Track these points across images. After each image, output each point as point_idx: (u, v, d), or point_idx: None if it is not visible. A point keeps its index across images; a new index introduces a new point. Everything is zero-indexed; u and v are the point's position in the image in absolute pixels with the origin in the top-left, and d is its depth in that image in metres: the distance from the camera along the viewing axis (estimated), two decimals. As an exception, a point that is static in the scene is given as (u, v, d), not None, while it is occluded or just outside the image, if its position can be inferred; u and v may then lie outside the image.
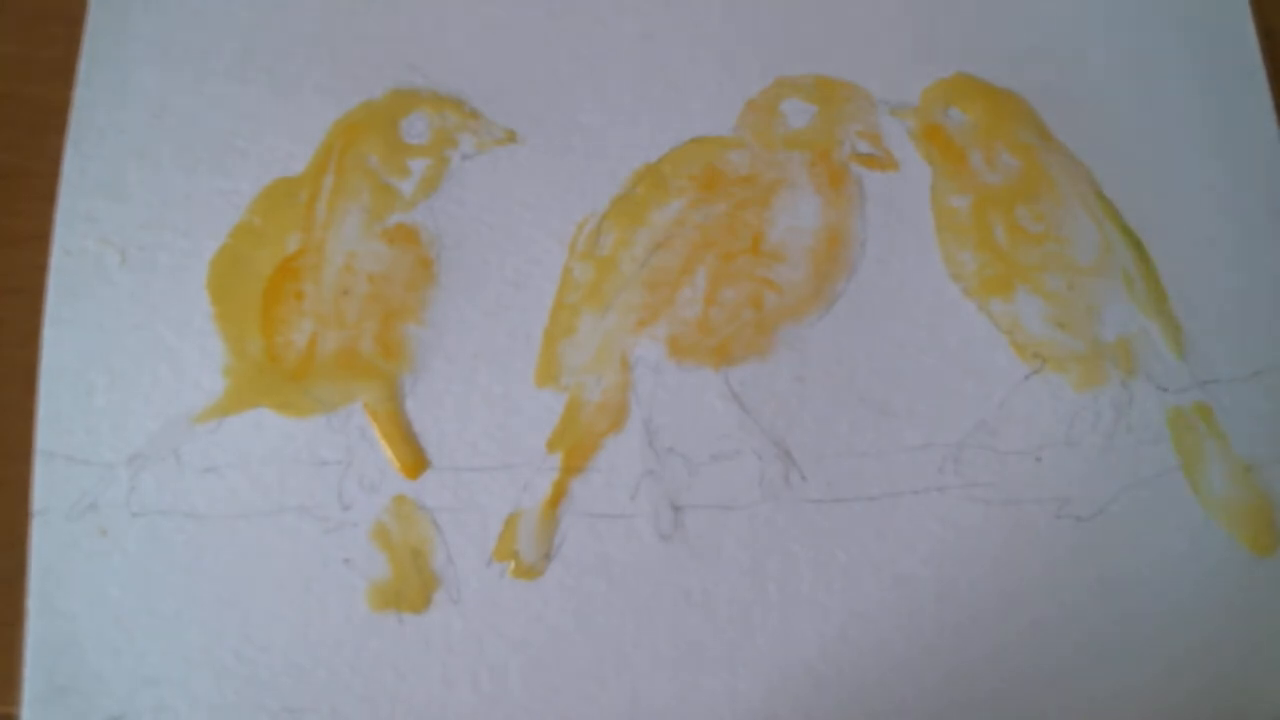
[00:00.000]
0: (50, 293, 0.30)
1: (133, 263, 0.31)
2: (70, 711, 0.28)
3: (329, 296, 0.31)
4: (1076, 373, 0.32)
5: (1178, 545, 0.30)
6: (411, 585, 0.29)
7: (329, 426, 0.30)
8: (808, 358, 0.31)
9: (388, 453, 0.30)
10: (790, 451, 0.31)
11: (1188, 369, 0.32)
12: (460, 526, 0.30)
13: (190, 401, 0.30)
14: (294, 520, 0.29)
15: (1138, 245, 0.33)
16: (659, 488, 0.30)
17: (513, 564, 0.29)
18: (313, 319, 0.31)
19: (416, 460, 0.30)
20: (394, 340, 0.31)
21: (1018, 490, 0.31)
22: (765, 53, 0.34)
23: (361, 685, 0.28)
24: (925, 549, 0.30)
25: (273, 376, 0.30)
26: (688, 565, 0.30)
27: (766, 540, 0.30)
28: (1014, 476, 0.31)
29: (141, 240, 0.31)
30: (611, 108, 0.33)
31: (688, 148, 0.33)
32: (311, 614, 0.29)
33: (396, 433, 0.30)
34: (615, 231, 0.32)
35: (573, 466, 0.30)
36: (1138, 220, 0.33)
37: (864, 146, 0.33)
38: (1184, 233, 0.33)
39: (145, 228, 0.31)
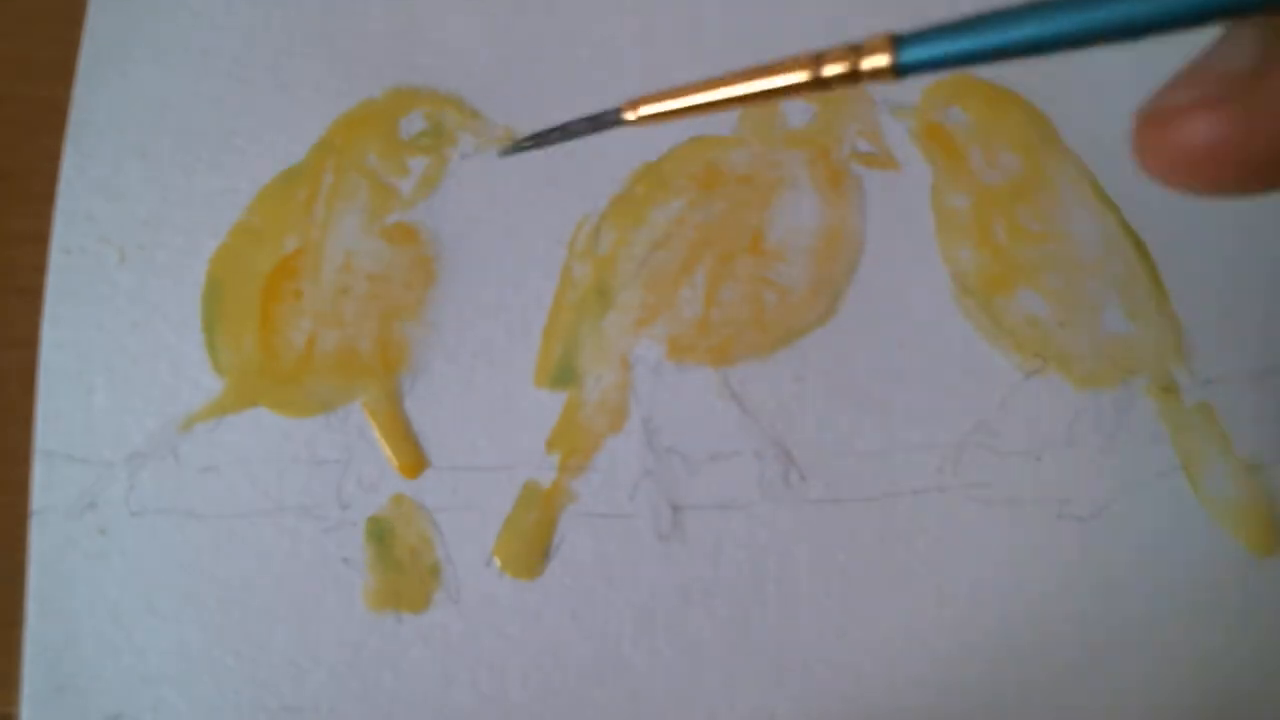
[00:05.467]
0: (49, 292, 0.30)
1: (132, 261, 0.31)
2: (69, 710, 0.28)
3: (328, 296, 0.31)
4: (1077, 372, 0.32)
5: (1178, 545, 0.30)
6: (411, 585, 0.29)
7: (328, 426, 0.30)
8: (808, 358, 0.31)
9: (387, 452, 0.30)
10: (790, 451, 0.31)
11: (1189, 369, 0.32)
12: (460, 526, 0.30)
13: (189, 400, 0.30)
14: (293, 519, 0.29)
15: (1138, 245, 0.33)
16: (658, 487, 0.30)
17: (512, 564, 0.29)
18: (311, 318, 0.31)
19: (415, 460, 0.30)
20: (393, 340, 0.31)
21: (1018, 490, 0.31)
22: (765, 53, 0.34)
23: (361, 685, 0.28)
24: (925, 549, 0.30)
25: (271, 376, 0.30)
26: (687, 565, 0.30)
27: (766, 540, 0.30)
28: (1014, 476, 0.31)
29: (141, 239, 0.31)
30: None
31: (688, 147, 0.33)
32: (310, 613, 0.29)
33: (395, 432, 0.30)
34: (614, 231, 0.32)
35: (572, 466, 0.30)
36: (1138, 220, 0.33)
37: (864, 145, 0.33)
38: (1184, 233, 0.33)
39: (144, 227, 0.31)
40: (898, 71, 0.19)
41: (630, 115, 0.24)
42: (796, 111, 0.34)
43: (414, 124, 0.33)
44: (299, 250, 0.31)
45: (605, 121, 0.25)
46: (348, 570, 0.29)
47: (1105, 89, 0.35)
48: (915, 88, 0.34)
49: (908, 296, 0.32)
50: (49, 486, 0.29)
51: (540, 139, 0.27)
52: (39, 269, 0.31)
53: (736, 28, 0.35)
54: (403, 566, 0.29)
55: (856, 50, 0.20)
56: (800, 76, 0.21)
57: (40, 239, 0.31)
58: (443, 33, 0.34)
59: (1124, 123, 0.35)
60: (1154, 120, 0.16)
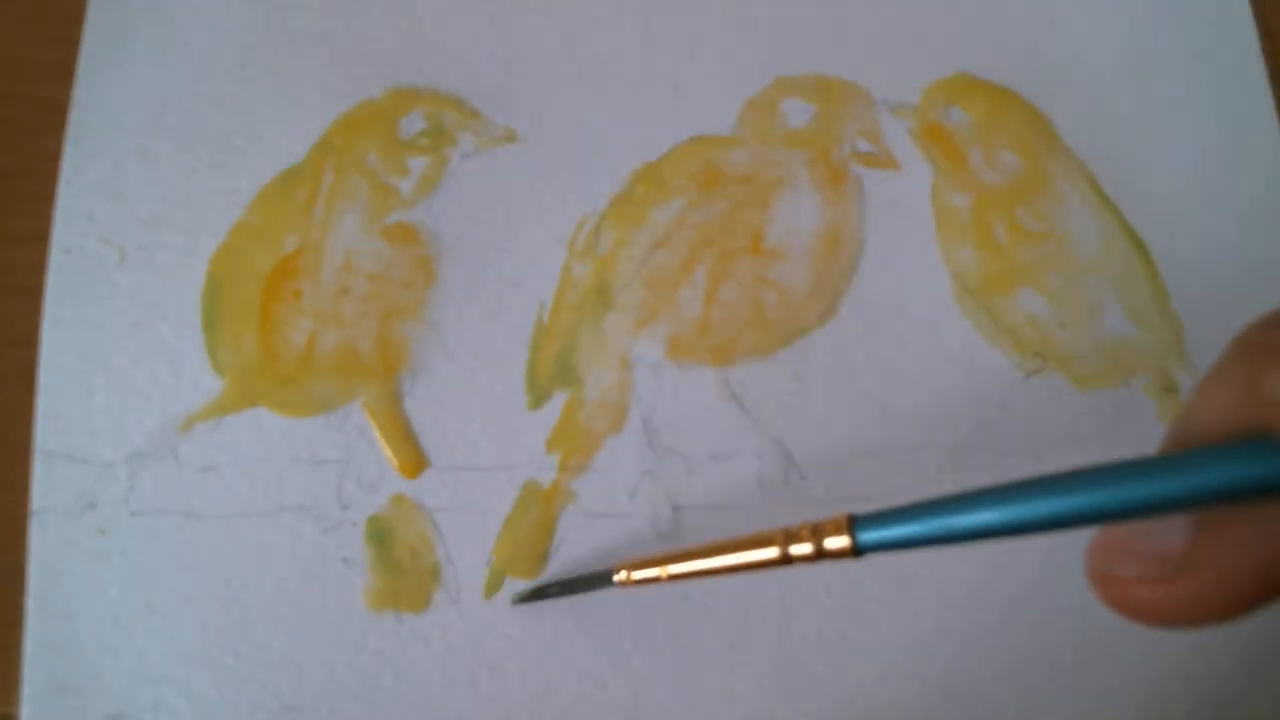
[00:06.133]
0: (49, 292, 0.30)
1: (132, 261, 0.31)
2: (69, 711, 0.28)
3: (327, 295, 0.31)
4: (1077, 372, 0.32)
5: (1178, 545, 0.30)
6: (411, 585, 0.29)
7: (327, 426, 0.30)
8: (808, 358, 0.31)
9: (386, 452, 0.30)
10: (790, 451, 0.31)
11: (1189, 369, 0.32)
12: (460, 526, 0.30)
13: (189, 400, 0.30)
14: (293, 519, 0.29)
15: (1138, 244, 0.33)
16: (658, 487, 0.30)
17: (512, 564, 0.29)
18: (311, 318, 0.31)
19: (415, 460, 0.30)
20: (393, 340, 0.31)
21: (1018, 490, 0.31)
22: (765, 52, 0.34)
23: (361, 685, 0.28)
24: (925, 549, 0.30)
25: (271, 376, 0.30)
26: (687, 565, 0.30)
27: (766, 540, 0.30)
28: (1014, 476, 0.31)
29: (140, 239, 0.31)
30: (611, 108, 0.33)
31: (688, 147, 0.33)
32: (310, 614, 0.29)
33: (395, 432, 0.30)
34: (614, 231, 0.32)
35: (572, 466, 0.30)
36: (1138, 220, 0.33)
37: (864, 145, 0.33)
38: (1184, 233, 0.33)
39: (144, 227, 0.31)
40: (857, 551, 0.20)
41: (619, 578, 0.26)
42: (796, 111, 0.34)
43: (414, 124, 0.33)
44: (299, 250, 0.31)
45: (599, 582, 0.27)
46: (348, 570, 0.29)
47: (1105, 89, 0.35)
48: (915, 87, 0.34)
49: (908, 296, 0.32)
50: (49, 486, 0.29)
51: (542, 593, 0.29)
52: (39, 269, 0.31)
53: (737, 27, 0.35)
54: (403, 567, 0.29)
55: (818, 530, 0.21)
56: (770, 553, 0.22)
57: (40, 239, 0.31)
58: (443, 33, 0.34)
59: (1124, 123, 0.35)
60: (1107, 582, 0.20)
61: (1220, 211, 0.33)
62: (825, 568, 0.30)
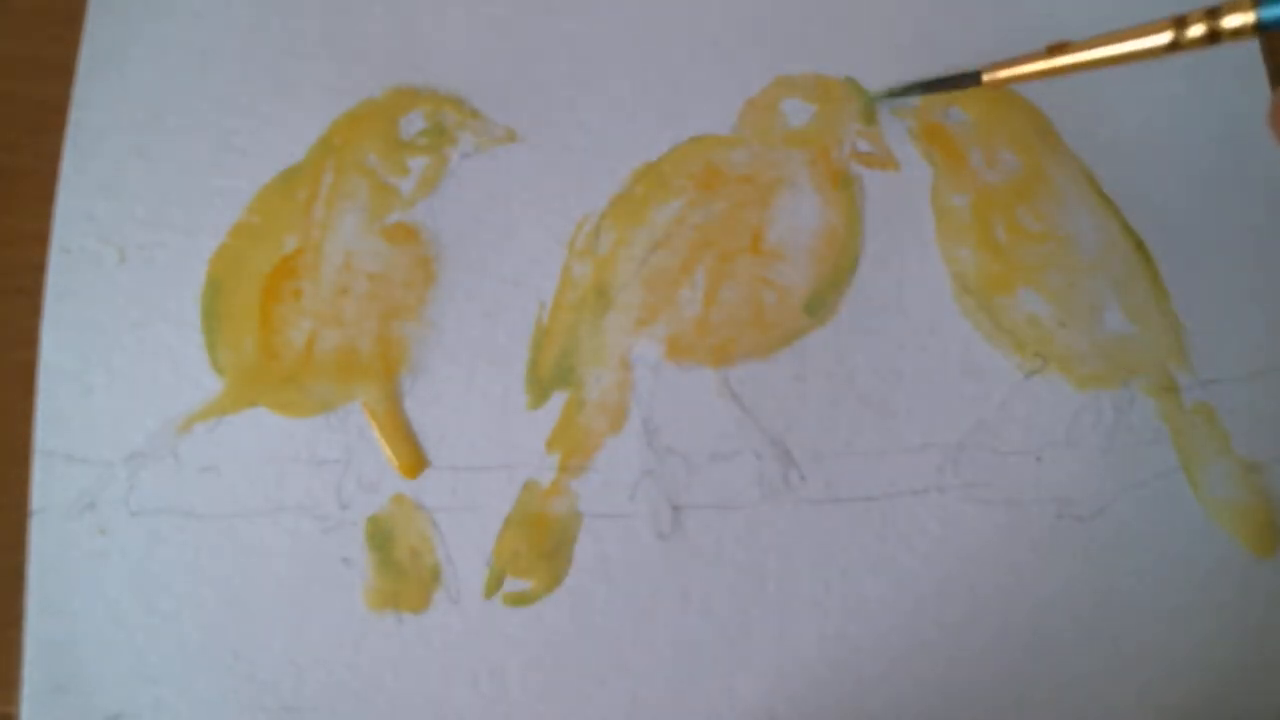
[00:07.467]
0: (49, 291, 0.30)
1: (132, 261, 0.31)
2: (69, 710, 0.28)
3: (327, 295, 0.31)
4: (1077, 372, 0.32)
5: (1178, 545, 0.30)
6: (411, 585, 0.29)
7: (328, 426, 0.30)
8: (807, 358, 0.31)
9: (386, 452, 0.30)
10: (790, 451, 0.31)
11: (1189, 369, 0.32)
12: (460, 526, 0.30)
13: (189, 400, 0.30)
14: (293, 519, 0.29)
15: (1138, 245, 0.33)
16: (658, 487, 0.30)
17: (512, 564, 0.29)
18: (311, 318, 0.31)
19: (415, 460, 0.30)
20: (393, 339, 0.31)
21: (1018, 490, 0.31)
22: (765, 52, 0.34)
23: (360, 685, 0.28)
24: (925, 549, 0.30)
25: (271, 376, 0.30)
26: (687, 565, 0.30)
27: (766, 540, 0.30)
28: (1014, 476, 0.31)
29: (140, 239, 0.31)
30: (611, 107, 0.33)
31: (687, 147, 0.33)
32: (310, 613, 0.29)
33: (395, 432, 0.30)
34: (614, 230, 0.32)
35: (572, 466, 0.30)
36: (1138, 220, 0.33)
37: (864, 145, 0.33)
38: (1184, 233, 0.33)
39: (144, 226, 0.31)
40: (1261, 27, 0.20)
41: (988, 78, 0.26)
42: (796, 111, 0.34)
43: (414, 124, 0.33)
44: (299, 250, 0.31)
45: (965, 81, 0.27)
46: (348, 570, 0.29)
47: (1105, 89, 0.35)
48: (915, 88, 0.34)
49: (908, 296, 0.32)
50: (49, 486, 0.29)
51: (906, 91, 0.30)
52: (39, 269, 0.31)
53: (737, 27, 0.35)
54: (403, 567, 0.29)
55: (1214, 12, 0.21)
56: (1161, 39, 0.22)
57: (40, 239, 0.31)
58: (443, 33, 0.34)
59: (1124, 123, 0.35)
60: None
61: (1220, 211, 0.33)
62: (825, 565, 0.30)
